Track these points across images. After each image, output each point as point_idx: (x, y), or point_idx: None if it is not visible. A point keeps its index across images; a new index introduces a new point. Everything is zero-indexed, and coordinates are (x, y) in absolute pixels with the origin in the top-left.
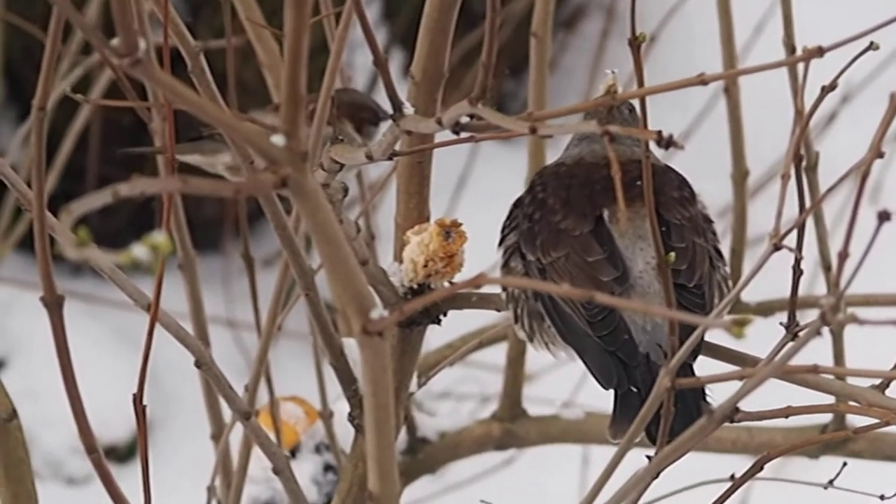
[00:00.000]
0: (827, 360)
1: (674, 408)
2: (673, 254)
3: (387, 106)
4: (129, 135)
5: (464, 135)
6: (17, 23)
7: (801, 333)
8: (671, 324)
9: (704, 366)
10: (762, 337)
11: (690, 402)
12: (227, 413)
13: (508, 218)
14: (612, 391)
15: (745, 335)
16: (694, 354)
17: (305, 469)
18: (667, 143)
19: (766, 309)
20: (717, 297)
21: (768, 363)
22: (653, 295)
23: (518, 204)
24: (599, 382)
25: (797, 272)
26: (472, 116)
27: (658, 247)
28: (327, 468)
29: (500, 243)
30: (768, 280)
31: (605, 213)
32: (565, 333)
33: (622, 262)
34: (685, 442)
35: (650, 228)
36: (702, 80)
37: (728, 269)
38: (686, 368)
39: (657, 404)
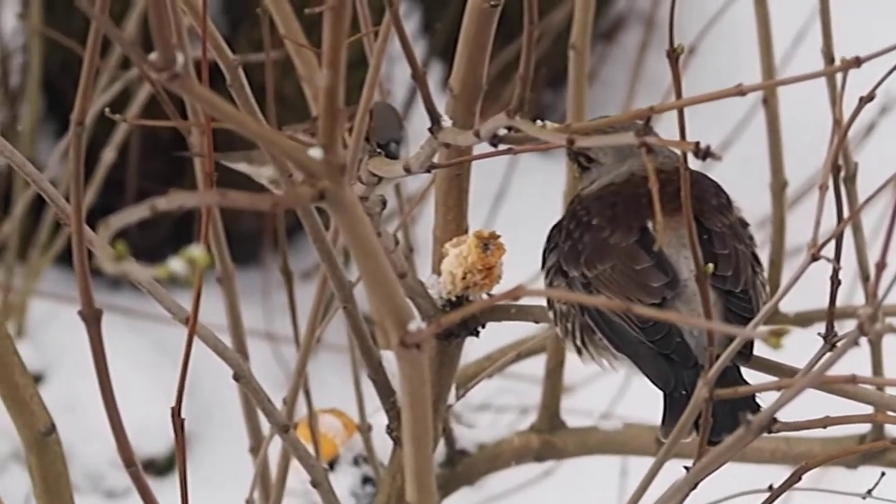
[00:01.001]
0: (865, 371)
1: (719, 411)
2: (711, 265)
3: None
4: (168, 149)
5: (502, 147)
6: (55, 38)
7: (839, 344)
8: (710, 334)
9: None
10: (801, 347)
11: (741, 403)
12: (265, 426)
13: (548, 241)
14: (660, 394)
15: (782, 346)
16: (745, 358)
17: (344, 482)
18: (704, 154)
19: (804, 319)
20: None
21: (806, 373)
22: (699, 302)
23: (557, 228)
24: (658, 386)
25: (835, 282)
26: (509, 129)
27: (696, 257)
28: (366, 481)
29: (543, 266)
30: (807, 290)
31: (650, 224)
32: (618, 343)
33: (671, 268)
34: (724, 452)
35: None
36: (740, 91)
37: (766, 274)
38: (735, 372)
39: (696, 412)
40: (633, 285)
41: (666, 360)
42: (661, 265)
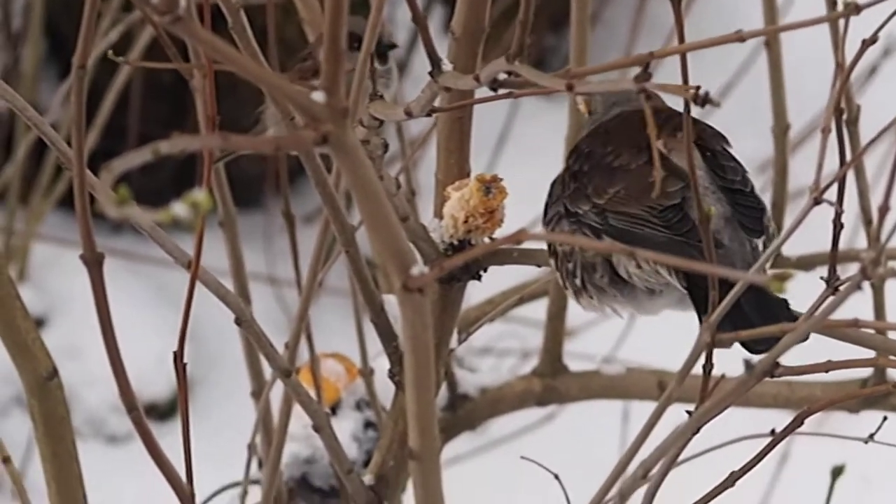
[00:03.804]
0: (868, 314)
1: (758, 307)
2: (713, 208)
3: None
4: (170, 92)
5: (502, 91)
6: None
7: (841, 287)
8: (712, 280)
9: None
10: (803, 291)
11: (776, 306)
12: (267, 370)
13: (549, 196)
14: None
15: (785, 290)
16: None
17: (346, 426)
18: (703, 100)
19: (806, 263)
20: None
21: (809, 318)
22: (717, 218)
23: (559, 181)
24: (696, 301)
25: (838, 226)
26: (509, 73)
27: (693, 173)
28: (368, 425)
29: (545, 219)
30: (809, 234)
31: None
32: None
33: (685, 174)
34: (726, 397)
35: (696, 156)
36: (740, 38)
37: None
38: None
39: (696, 357)
40: (649, 194)
41: (694, 248)
42: (675, 174)
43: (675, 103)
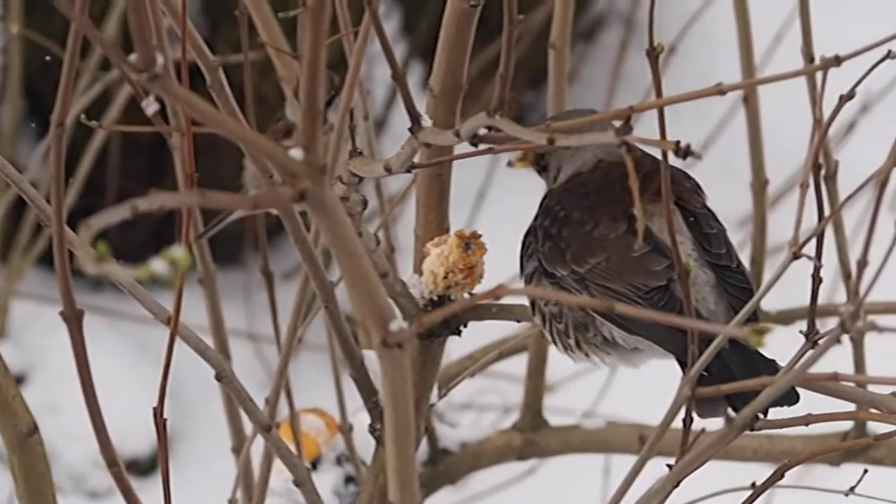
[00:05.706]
0: (847, 368)
1: (742, 364)
2: (693, 262)
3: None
4: (148, 149)
5: (482, 146)
6: (36, 39)
7: (821, 341)
8: (691, 333)
9: None
10: (782, 345)
11: (760, 363)
12: (248, 426)
13: (524, 248)
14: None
15: (765, 344)
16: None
17: (326, 481)
18: (685, 152)
19: (786, 317)
20: None
21: (788, 371)
22: (702, 284)
23: (531, 232)
24: (680, 360)
25: (816, 280)
26: (490, 128)
27: (676, 249)
28: (348, 480)
29: (522, 272)
30: (788, 288)
31: (635, 212)
32: (631, 327)
33: (669, 251)
34: (706, 450)
35: (680, 223)
36: (719, 90)
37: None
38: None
39: (676, 410)
40: (633, 272)
41: (683, 334)
42: (659, 249)
43: (655, 151)
